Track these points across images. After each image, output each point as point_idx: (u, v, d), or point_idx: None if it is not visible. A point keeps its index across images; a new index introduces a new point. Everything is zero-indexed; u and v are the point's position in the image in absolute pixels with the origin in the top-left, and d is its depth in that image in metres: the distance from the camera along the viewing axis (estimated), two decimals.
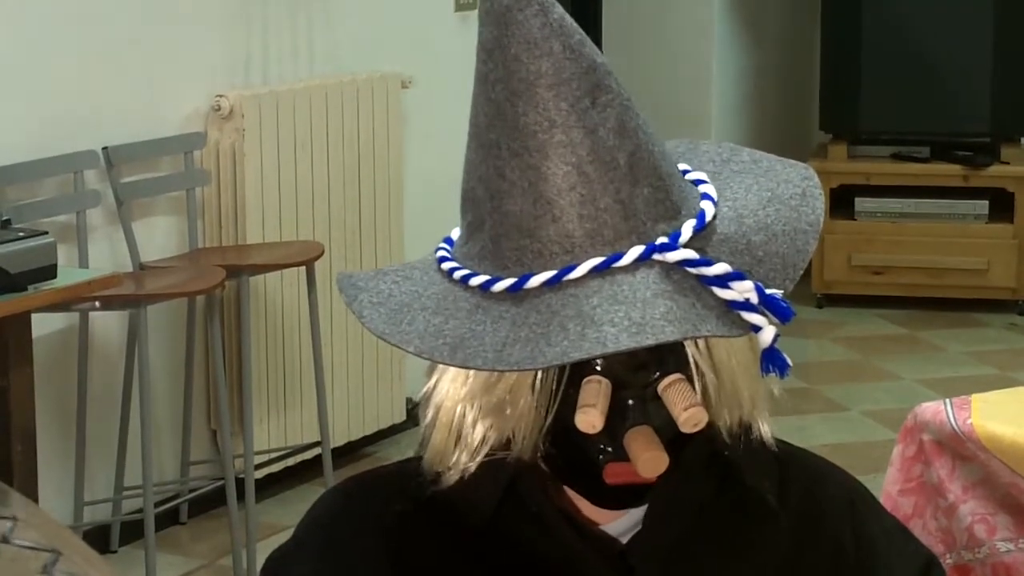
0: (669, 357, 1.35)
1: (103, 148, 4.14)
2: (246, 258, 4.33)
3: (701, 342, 1.36)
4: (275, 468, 4.59)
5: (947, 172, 6.46)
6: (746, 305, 1.30)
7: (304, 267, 4.34)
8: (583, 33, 1.33)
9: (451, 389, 1.39)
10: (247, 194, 4.44)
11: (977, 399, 2.57)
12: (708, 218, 1.34)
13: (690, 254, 1.30)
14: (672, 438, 1.35)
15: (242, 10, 4.56)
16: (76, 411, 4.08)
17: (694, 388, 1.35)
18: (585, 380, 1.34)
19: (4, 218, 3.49)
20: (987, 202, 6.41)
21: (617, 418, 1.34)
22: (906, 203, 6.47)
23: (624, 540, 1.43)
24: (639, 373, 1.35)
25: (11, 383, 3.46)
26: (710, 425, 1.39)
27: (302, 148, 4.60)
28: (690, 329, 1.26)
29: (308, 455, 4.64)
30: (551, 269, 1.30)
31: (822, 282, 6.53)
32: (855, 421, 5.29)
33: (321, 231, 4.65)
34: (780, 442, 1.52)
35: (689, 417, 1.31)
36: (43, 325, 3.87)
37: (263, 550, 4.02)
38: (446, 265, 1.37)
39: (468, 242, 1.37)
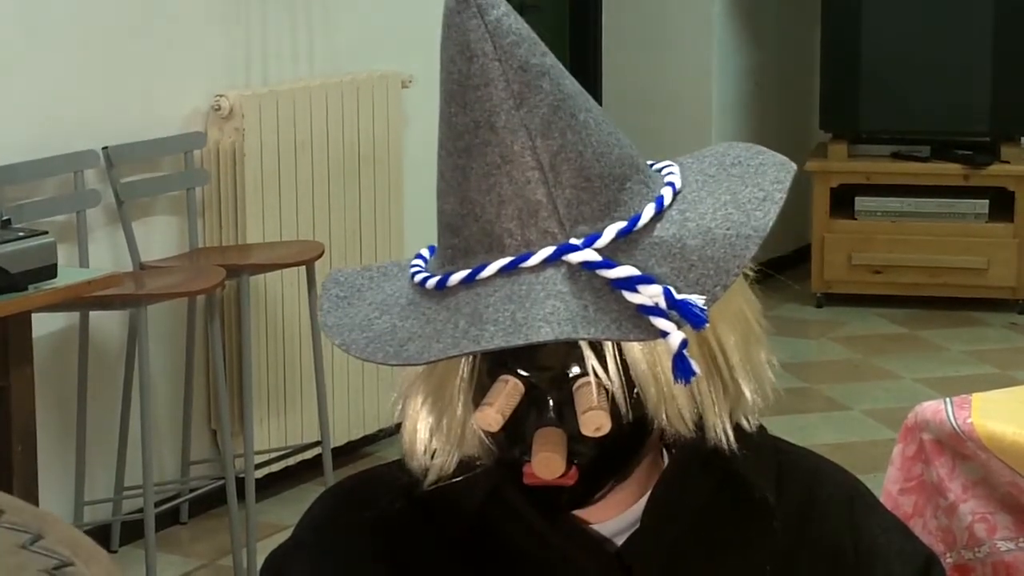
0: (577, 360, 1.35)
1: (103, 148, 4.14)
2: (246, 258, 4.33)
3: (609, 346, 1.34)
4: (275, 468, 4.59)
5: (947, 172, 6.46)
6: (654, 310, 1.29)
7: (304, 267, 4.34)
8: (522, 34, 1.35)
9: (412, 388, 1.42)
10: (247, 194, 4.44)
11: (977, 398, 2.57)
12: (642, 222, 1.34)
13: (592, 256, 1.30)
14: (608, 446, 1.35)
15: (242, 10, 4.57)
16: (76, 411, 4.08)
17: (604, 392, 1.34)
18: (497, 379, 1.35)
19: (4, 218, 3.48)
20: (987, 201, 6.41)
21: (531, 419, 1.35)
22: (906, 202, 6.47)
23: (619, 541, 1.43)
24: (547, 374, 1.35)
25: (11, 383, 3.46)
26: (705, 425, 1.39)
27: (302, 148, 4.60)
28: (568, 331, 1.27)
29: (308, 455, 4.64)
30: (471, 267, 1.33)
31: (822, 281, 6.53)
32: (855, 420, 5.29)
33: (321, 231, 4.65)
34: (779, 440, 1.52)
35: (586, 419, 1.31)
36: (43, 325, 3.87)
37: (263, 550, 4.02)
38: (414, 265, 1.42)
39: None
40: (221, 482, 4.28)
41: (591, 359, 1.34)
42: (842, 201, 6.49)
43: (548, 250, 1.31)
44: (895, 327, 6.33)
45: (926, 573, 1.50)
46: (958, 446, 2.54)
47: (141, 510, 3.99)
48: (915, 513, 2.58)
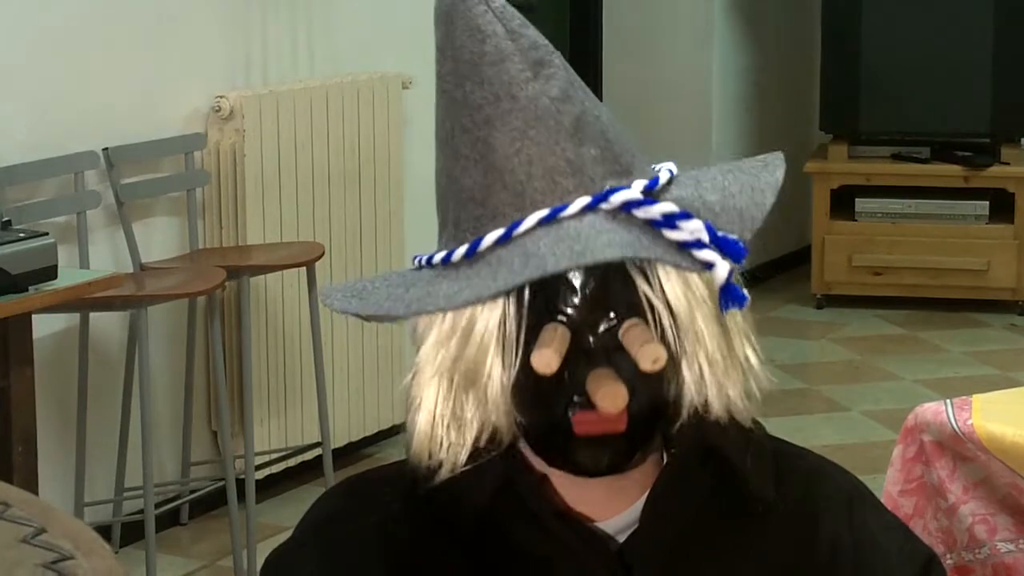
0: (625, 303, 1.36)
1: (103, 149, 4.14)
2: (246, 259, 4.33)
3: (655, 282, 1.36)
4: (276, 469, 4.59)
5: (947, 172, 6.45)
6: (696, 244, 1.34)
7: (304, 268, 4.34)
8: (526, 20, 1.40)
9: (427, 373, 1.40)
10: (247, 194, 4.44)
11: (978, 399, 2.57)
12: (662, 181, 1.38)
13: (634, 195, 1.34)
14: (643, 402, 1.36)
15: (242, 10, 4.56)
16: (76, 411, 4.08)
17: (653, 332, 1.36)
18: (546, 327, 1.36)
19: (4, 219, 3.48)
20: (987, 202, 6.40)
21: (581, 364, 1.36)
22: (906, 203, 6.47)
23: (621, 539, 1.44)
24: (596, 317, 1.36)
25: (11, 383, 3.46)
26: (704, 419, 1.40)
27: (302, 148, 4.59)
28: (631, 251, 1.31)
29: (308, 456, 4.64)
30: (505, 228, 1.35)
31: (822, 282, 6.53)
32: (855, 421, 5.29)
33: (321, 231, 4.65)
34: (778, 441, 1.52)
35: (644, 352, 1.32)
36: (43, 326, 3.87)
37: (264, 551, 4.02)
38: (416, 261, 1.43)
39: (438, 243, 1.42)
40: (221, 483, 4.28)
41: (647, 292, 1.36)
42: (842, 202, 6.49)
43: (585, 199, 1.34)
44: (895, 328, 6.33)
45: (926, 572, 1.50)
46: (958, 447, 2.54)
47: (141, 511, 3.99)
48: (915, 514, 2.58)
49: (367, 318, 1.44)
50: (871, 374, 5.78)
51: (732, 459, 1.44)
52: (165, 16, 4.35)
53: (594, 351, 1.36)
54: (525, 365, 1.36)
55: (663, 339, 1.36)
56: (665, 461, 1.45)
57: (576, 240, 1.31)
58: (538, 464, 1.43)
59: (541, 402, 1.37)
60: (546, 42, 1.40)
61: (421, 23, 5.30)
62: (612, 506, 1.43)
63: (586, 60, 6.76)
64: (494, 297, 1.34)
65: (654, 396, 1.37)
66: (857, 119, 6.56)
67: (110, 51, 4.22)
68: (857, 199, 6.48)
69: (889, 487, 2.62)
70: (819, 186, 6.53)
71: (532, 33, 1.39)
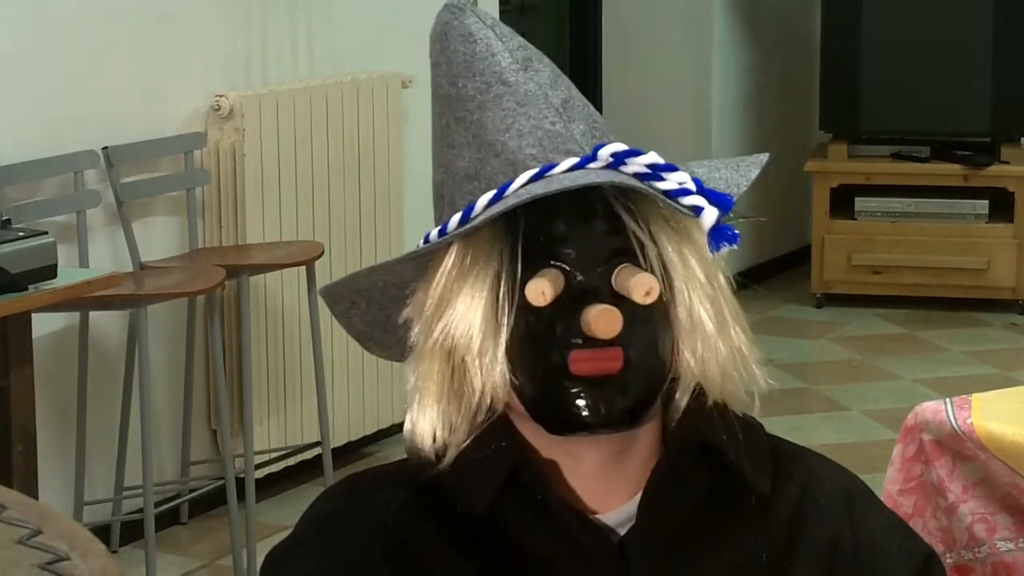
0: (617, 247, 1.40)
1: (103, 148, 4.14)
2: (246, 258, 4.33)
3: (645, 228, 1.40)
4: (275, 468, 4.59)
5: (947, 172, 6.45)
6: (683, 191, 1.39)
7: (304, 267, 4.34)
8: (515, 32, 1.48)
9: (425, 351, 1.43)
10: (247, 194, 4.44)
11: (977, 399, 2.57)
12: (648, 155, 1.42)
13: (621, 146, 1.40)
14: (639, 350, 1.39)
15: (242, 10, 4.57)
16: (76, 411, 4.07)
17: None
18: (541, 269, 1.39)
19: (4, 218, 3.48)
20: (987, 202, 6.40)
21: (576, 308, 1.38)
22: (906, 203, 6.47)
23: (622, 531, 1.44)
24: (589, 262, 1.39)
25: (11, 383, 3.46)
26: (700, 413, 1.41)
27: (302, 148, 4.60)
28: (618, 179, 1.37)
29: (308, 455, 4.64)
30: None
31: (822, 282, 6.53)
32: (855, 421, 5.29)
33: (321, 231, 4.65)
34: (776, 439, 1.52)
35: (637, 282, 1.37)
36: (43, 325, 3.87)
37: (263, 550, 4.00)
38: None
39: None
40: (221, 482, 4.28)
41: (637, 231, 1.40)
42: (842, 201, 6.49)
43: (573, 159, 1.40)
44: (895, 327, 6.33)
45: (925, 570, 1.51)
46: (958, 447, 2.54)
47: (141, 510, 3.98)
48: (915, 514, 2.58)
49: (360, 339, 1.54)
50: (871, 373, 5.78)
51: (728, 453, 1.44)
52: (165, 16, 4.35)
53: (588, 294, 1.39)
54: (521, 319, 1.39)
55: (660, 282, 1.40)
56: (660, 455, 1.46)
57: (562, 182, 1.37)
58: (543, 451, 1.43)
59: (538, 351, 1.39)
60: (536, 49, 1.47)
61: (421, 23, 5.30)
62: (612, 499, 1.44)
63: (585, 60, 6.76)
64: (485, 222, 1.38)
65: (649, 343, 1.39)
66: (857, 118, 6.56)
67: (110, 51, 4.22)
68: (857, 198, 6.48)
69: (889, 486, 2.62)
70: (819, 185, 6.53)
71: (521, 39, 1.47)
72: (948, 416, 2.53)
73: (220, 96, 4.43)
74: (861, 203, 6.48)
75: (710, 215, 1.38)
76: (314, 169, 4.63)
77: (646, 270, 1.39)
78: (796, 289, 6.67)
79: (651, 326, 1.40)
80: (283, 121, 4.54)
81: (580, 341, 1.37)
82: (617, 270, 1.39)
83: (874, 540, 1.49)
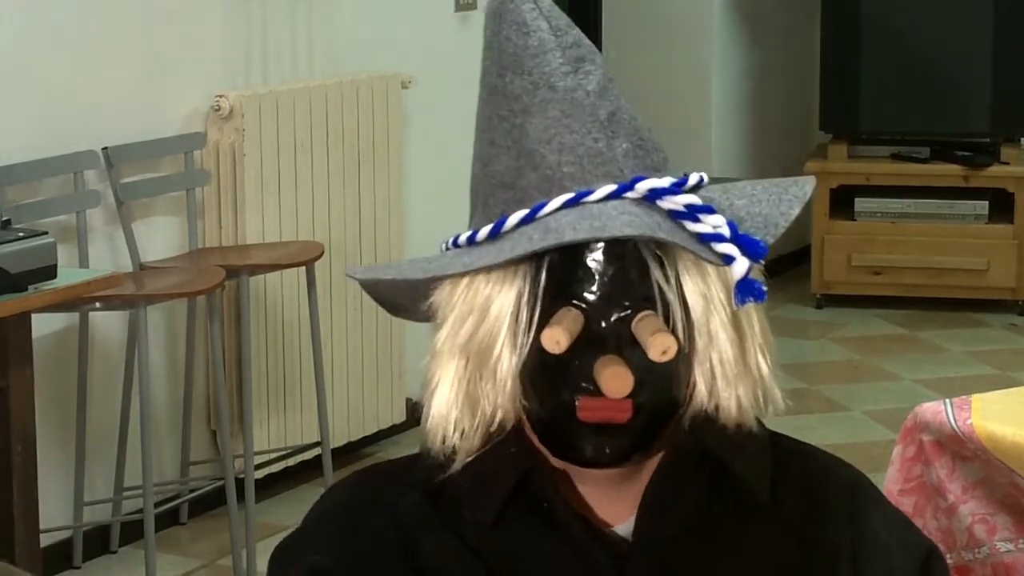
0: (641, 295, 1.37)
1: (103, 148, 4.14)
2: (246, 258, 4.33)
3: (671, 276, 1.38)
4: (275, 468, 4.59)
5: (947, 172, 6.45)
6: (717, 237, 1.36)
7: (304, 267, 4.34)
8: (571, 21, 1.44)
9: (445, 352, 1.42)
10: (247, 194, 4.44)
11: (977, 399, 2.57)
12: (691, 182, 1.40)
13: (660, 183, 1.37)
14: (651, 396, 1.37)
15: (242, 10, 4.56)
16: (76, 411, 4.08)
17: (666, 324, 1.37)
18: (560, 309, 1.37)
19: (4, 218, 3.48)
20: (987, 202, 6.40)
21: (591, 351, 1.36)
22: (906, 203, 6.47)
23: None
24: (611, 305, 1.37)
25: (11, 383, 3.46)
26: (702, 420, 1.40)
27: (302, 148, 4.59)
28: (650, 232, 1.33)
29: (308, 455, 4.64)
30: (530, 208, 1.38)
31: (822, 282, 6.53)
32: (855, 421, 5.29)
33: (321, 231, 4.65)
34: (778, 436, 1.52)
35: (655, 341, 1.33)
36: (43, 325, 3.87)
37: (263, 550, 4.03)
38: (443, 245, 1.46)
39: (468, 228, 1.45)
40: (221, 483, 4.28)
41: (661, 283, 1.37)
42: (842, 202, 6.49)
43: (611, 186, 1.37)
44: (895, 328, 6.33)
45: (926, 565, 1.50)
46: (958, 447, 2.54)
47: (141, 510, 3.98)
48: (915, 514, 2.58)
49: (390, 310, 1.50)
50: (871, 374, 5.78)
51: (728, 458, 1.44)
52: (165, 15, 4.35)
53: (606, 339, 1.36)
54: (536, 348, 1.37)
55: (674, 333, 1.36)
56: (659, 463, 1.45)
57: (596, 218, 1.34)
58: (553, 459, 1.43)
59: (549, 386, 1.38)
60: (590, 43, 1.44)
61: (421, 23, 5.31)
62: (622, 509, 1.44)
63: None
64: (510, 263, 1.37)
65: (662, 392, 1.38)
66: (857, 119, 6.56)
67: (110, 51, 4.22)
68: (857, 199, 6.48)
69: (889, 486, 2.62)
70: (819, 186, 6.48)
71: (576, 33, 1.43)
72: (948, 417, 2.54)
73: (220, 96, 4.43)
74: (861, 203, 6.48)
75: (740, 267, 1.35)
76: (314, 169, 4.63)
77: (667, 324, 1.36)
78: (796, 289, 6.67)
79: (666, 376, 1.38)
80: (283, 121, 4.53)
81: (591, 388, 1.36)
82: (638, 318, 1.36)
83: (875, 536, 1.49)
